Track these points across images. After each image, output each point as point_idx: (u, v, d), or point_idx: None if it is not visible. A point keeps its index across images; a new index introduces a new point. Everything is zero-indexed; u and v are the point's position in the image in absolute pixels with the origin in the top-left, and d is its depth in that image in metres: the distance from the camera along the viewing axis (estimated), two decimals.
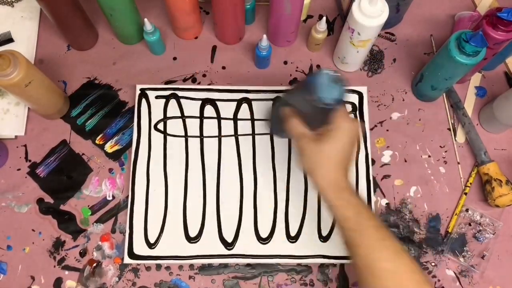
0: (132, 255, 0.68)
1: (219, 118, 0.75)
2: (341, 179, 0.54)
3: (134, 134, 0.73)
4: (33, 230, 0.70)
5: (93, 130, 0.76)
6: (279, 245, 0.69)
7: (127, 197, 0.71)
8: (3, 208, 0.71)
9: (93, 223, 0.71)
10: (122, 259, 0.69)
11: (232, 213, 0.71)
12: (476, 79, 0.81)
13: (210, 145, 0.74)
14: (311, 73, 0.79)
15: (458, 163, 0.76)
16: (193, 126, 0.74)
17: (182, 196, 0.71)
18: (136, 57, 0.80)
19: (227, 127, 0.74)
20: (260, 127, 0.75)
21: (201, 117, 0.75)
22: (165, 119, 0.74)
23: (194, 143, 0.74)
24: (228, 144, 0.74)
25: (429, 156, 0.76)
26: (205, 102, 0.75)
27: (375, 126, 0.77)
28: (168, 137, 0.73)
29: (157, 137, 0.73)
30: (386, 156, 0.76)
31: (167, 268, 0.69)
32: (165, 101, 0.75)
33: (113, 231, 0.71)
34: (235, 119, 0.75)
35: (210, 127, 0.74)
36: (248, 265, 0.70)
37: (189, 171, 0.72)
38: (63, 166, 0.73)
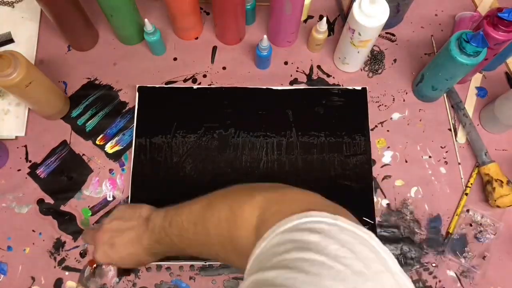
0: None
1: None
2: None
3: (134, 134, 0.73)
4: (33, 230, 0.70)
5: (94, 131, 0.76)
6: None
7: (128, 197, 0.71)
8: (3, 208, 0.71)
9: (93, 224, 0.71)
10: None
11: None
12: (476, 80, 0.80)
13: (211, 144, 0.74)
14: None
15: (459, 163, 0.76)
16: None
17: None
18: (137, 58, 0.80)
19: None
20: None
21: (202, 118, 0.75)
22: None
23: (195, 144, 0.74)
24: (232, 144, 0.74)
25: (430, 157, 0.76)
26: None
27: (376, 126, 0.77)
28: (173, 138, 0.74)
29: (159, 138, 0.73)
30: (387, 157, 0.76)
31: (168, 268, 0.69)
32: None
33: None
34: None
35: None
36: None
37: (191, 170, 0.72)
38: (63, 166, 0.73)
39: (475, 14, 0.80)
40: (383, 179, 0.74)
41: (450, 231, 0.72)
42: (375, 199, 0.72)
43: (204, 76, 0.79)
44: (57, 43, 0.80)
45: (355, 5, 0.66)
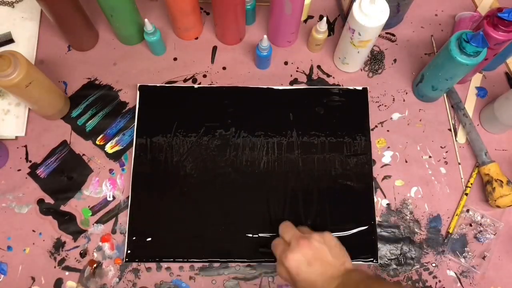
0: (132, 256, 0.68)
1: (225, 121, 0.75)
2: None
3: (135, 135, 0.73)
4: (33, 230, 0.70)
5: (94, 131, 0.76)
6: None
7: (128, 197, 0.71)
8: (3, 208, 0.71)
9: (93, 224, 0.71)
10: (123, 259, 0.69)
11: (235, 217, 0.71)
12: (476, 80, 0.81)
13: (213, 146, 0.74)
14: None
15: (459, 163, 0.76)
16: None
17: (183, 198, 0.71)
18: (137, 58, 0.80)
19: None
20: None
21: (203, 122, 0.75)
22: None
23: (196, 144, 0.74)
24: (233, 144, 0.74)
25: (430, 157, 0.76)
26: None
27: (376, 126, 0.77)
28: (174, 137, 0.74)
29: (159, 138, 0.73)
30: (387, 157, 0.76)
31: (168, 268, 0.69)
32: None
33: (114, 231, 0.71)
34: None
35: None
36: (248, 265, 0.70)
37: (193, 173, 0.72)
38: (63, 166, 0.73)
39: (475, 14, 0.80)
40: (383, 179, 0.75)
41: (450, 231, 0.72)
42: (375, 199, 0.72)
43: (204, 76, 0.79)
44: (57, 43, 0.80)
45: (355, 5, 0.66)
